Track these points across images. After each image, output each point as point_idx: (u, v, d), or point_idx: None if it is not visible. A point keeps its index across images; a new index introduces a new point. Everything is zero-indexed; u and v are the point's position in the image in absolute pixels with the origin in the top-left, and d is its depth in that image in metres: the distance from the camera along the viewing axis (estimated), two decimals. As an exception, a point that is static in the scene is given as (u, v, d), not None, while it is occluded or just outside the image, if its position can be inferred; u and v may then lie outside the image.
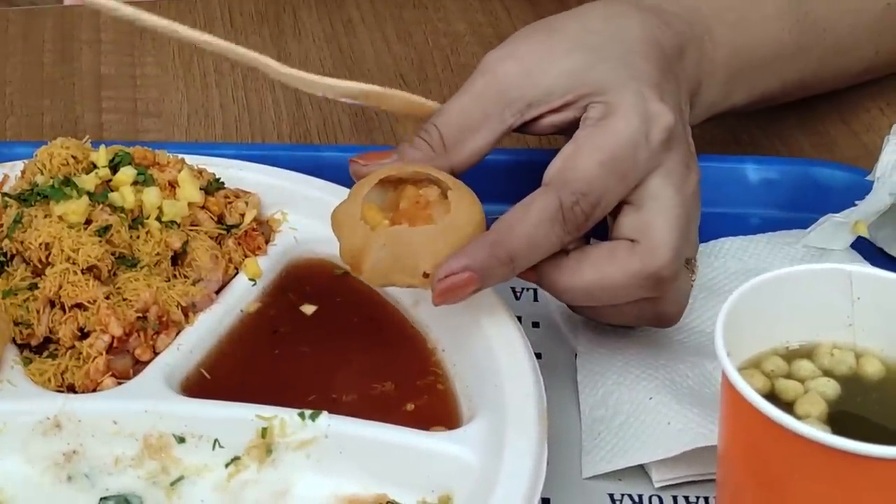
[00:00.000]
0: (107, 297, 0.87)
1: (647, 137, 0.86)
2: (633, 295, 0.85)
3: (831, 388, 0.75)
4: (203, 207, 0.94)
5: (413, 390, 0.86)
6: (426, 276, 0.83)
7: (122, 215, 0.90)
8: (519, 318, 0.89)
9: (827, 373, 0.76)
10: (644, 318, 0.88)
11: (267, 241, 0.95)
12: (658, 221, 0.85)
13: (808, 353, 0.78)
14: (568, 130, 0.89)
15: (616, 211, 0.87)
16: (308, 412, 0.82)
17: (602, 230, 0.88)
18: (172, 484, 0.82)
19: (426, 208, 0.85)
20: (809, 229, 1.01)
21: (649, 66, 0.90)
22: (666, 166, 0.86)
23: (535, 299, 0.98)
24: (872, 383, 0.76)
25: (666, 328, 0.91)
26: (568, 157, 0.85)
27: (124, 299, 0.87)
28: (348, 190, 0.97)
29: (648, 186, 0.86)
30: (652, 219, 0.85)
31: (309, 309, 0.92)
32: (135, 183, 0.92)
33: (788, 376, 0.76)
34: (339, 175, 1.00)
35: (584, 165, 0.84)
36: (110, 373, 0.86)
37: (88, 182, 0.91)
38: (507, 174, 1.01)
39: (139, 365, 0.87)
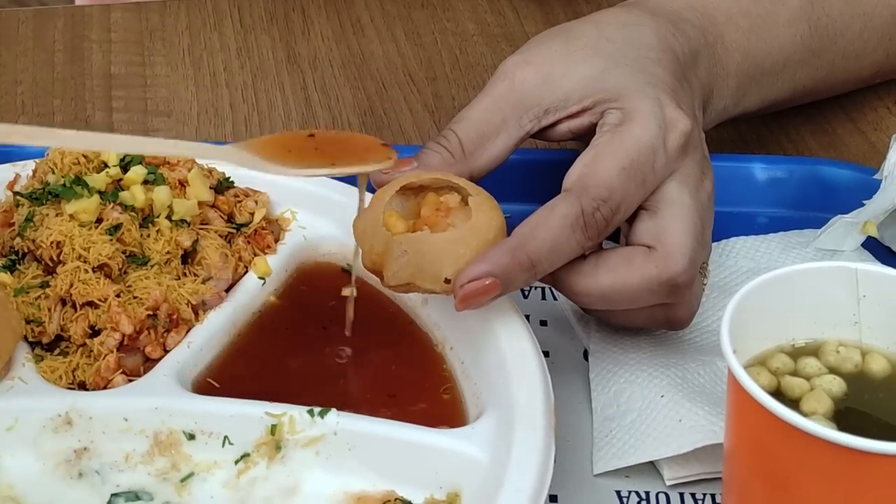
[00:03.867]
0: (117, 296, 0.87)
1: (665, 143, 0.86)
2: (649, 300, 0.86)
3: (837, 385, 0.76)
4: (213, 206, 0.94)
5: (421, 390, 0.87)
6: (448, 281, 0.83)
7: (133, 214, 0.90)
8: (527, 317, 0.89)
9: (833, 370, 0.77)
10: (656, 321, 0.89)
11: (276, 240, 0.96)
12: (675, 228, 0.85)
13: (813, 350, 0.78)
14: (585, 136, 0.90)
15: (632, 216, 0.87)
16: (317, 409, 0.83)
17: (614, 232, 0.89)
18: (182, 480, 0.83)
19: (447, 215, 0.85)
20: (820, 232, 1.01)
21: (665, 73, 0.91)
22: (682, 172, 0.87)
23: (543, 298, 0.99)
24: (878, 381, 0.77)
25: (684, 329, 0.92)
26: (587, 164, 0.86)
27: (135, 297, 0.88)
28: (357, 188, 0.98)
29: (665, 192, 0.86)
30: (668, 225, 0.85)
31: (348, 291, 0.92)
32: (145, 182, 0.92)
33: (794, 374, 0.77)
34: (348, 174, 1.01)
35: (605, 172, 0.85)
36: (121, 370, 0.86)
37: (99, 181, 0.91)
38: (523, 174, 1.01)
39: (149, 362, 0.87)
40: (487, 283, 0.82)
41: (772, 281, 0.77)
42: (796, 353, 0.78)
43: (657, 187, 0.87)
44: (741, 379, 0.71)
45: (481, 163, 0.90)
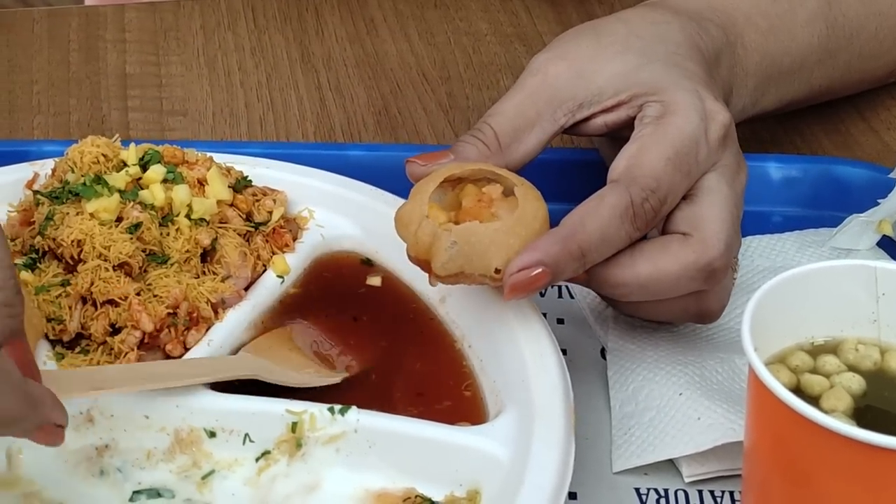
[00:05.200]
0: (138, 294, 0.88)
1: (707, 135, 0.87)
2: (686, 288, 0.86)
3: (856, 382, 0.76)
4: (231, 205, 0.95)
5: (446, 387, 0.87)
6: (497, 272, 0.83)
7: (153, 213, 0.91)
8: (544, 315, 0.90)
9: (852, 368, 0.77)
10: (688, 314, 0.89)
11: (294, 239, 0.96)
12: (711, 214, 0.86)
13: (833, 348, 0.78)
14: (619, 130, 0.90)
15: None
16: (337, 407, 0.83)
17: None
18: (204, 478, 0.83)
19: (489, 206, 0.85)
20: (835, 231, 1.01)
21: (697, 68, 0.91)
22: (722, 163, 0.88)
23: (560, 296, 0.99)
24: None
25: (704, 325, 0.92)
26: (633, 155, 0.86)
27: (155, 296, 0.88)
28: (373, 187, 0.99)
29: (704, 182, 0.87)
30: (706, 212, 0.86)
31: (375, 280, 0.94)
32: (164, 181, 0.93)
33: (814, 371, 0.77)
34: (364, 172, 1.01)
35: (651, 162, 0.85)
36: (141, 368, 0.87)
37: (119, 180, 0.92)
38: (555, 173, 1.02)
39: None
40: (538, 272, 0.82)
41: (791, 279, 0.77)
42: (815, 351, 0.78)
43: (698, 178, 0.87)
44: (763, 376, 0.72)
45: (516, 156, 0.90)
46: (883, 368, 0.77)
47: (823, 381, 0.76)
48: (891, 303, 0.78)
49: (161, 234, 0.91)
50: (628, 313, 0.92)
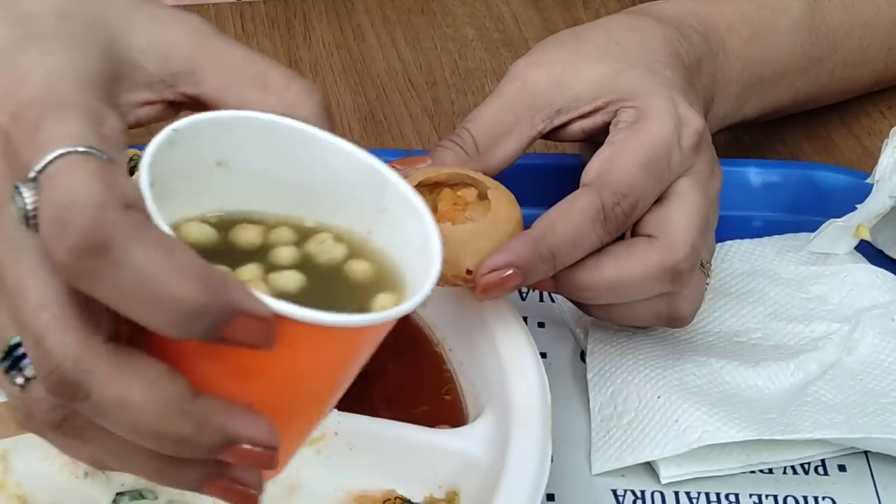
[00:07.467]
0: (122, 298, 0.89)
1: (680, 141, 0.88)
2: (652, 290, 0.87)
3: None
4: (216, 210, 0.96)
5: (423, 392, 0.88)
6: (469, 273, 0.84)
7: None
8: (525, 319, 0.90)
9: None
10: (659, 317, 0.90)
11: (278, 243, 0.97)
12: (679, 217, 0.87)
13: None
14: (597, 136, 0.92)
15: None
16: (318, 410, 0.84)
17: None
18: (186, 479, 0.84)
19: (464, 209, 0.86)
20: (813, 236, 1.02)
21: (674, 75, 0.92)
22: (694, 169, 0.89)
23: (541, 300, 1.00)
24: None
25: (678, 329, 0.93)
26: (606, 159, 0.87)
27: (139, 299, 0.89)
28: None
29: (676, 187, 0.88)
30: (674, 215, 0.87)
31: None
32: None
33: None
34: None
35: (624, 167, 0.86)
36: (126, 371, 0.87)
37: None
38: (533, 177, 1.03)
39: (154, 363, 0.89)
40: (509, 273, 0.83)
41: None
42: None
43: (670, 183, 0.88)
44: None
45: (494, 162, 0.92)
46: None
47: None
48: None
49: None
50: (601, 318, 0.93)
